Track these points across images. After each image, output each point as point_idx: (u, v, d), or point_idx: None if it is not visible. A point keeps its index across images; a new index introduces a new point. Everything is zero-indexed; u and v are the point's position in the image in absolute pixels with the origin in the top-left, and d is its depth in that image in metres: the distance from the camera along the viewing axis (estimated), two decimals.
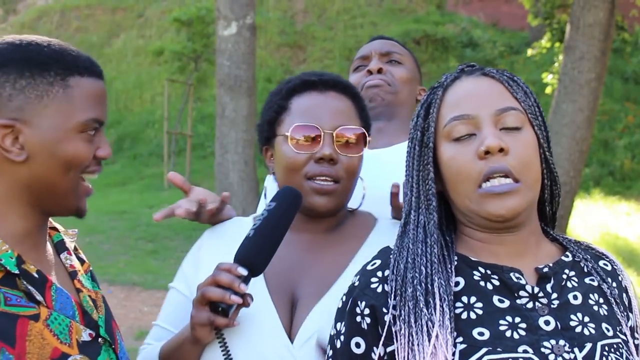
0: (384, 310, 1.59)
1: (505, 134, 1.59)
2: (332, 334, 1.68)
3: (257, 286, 1.87)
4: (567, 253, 1.69)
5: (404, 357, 1.53)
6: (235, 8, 11.29)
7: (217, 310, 1.73)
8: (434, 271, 1.58)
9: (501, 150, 1.56)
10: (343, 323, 1.64)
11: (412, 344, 1.52)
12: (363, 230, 2.00)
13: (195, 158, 17.51)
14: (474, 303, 1.58)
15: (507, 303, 1.57)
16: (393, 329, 1.56)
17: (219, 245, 2.00)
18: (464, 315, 1.57)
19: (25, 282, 1.47)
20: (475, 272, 1.62)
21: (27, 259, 1.51)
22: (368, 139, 1.97)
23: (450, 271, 1.60)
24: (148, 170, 17.63)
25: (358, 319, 1.61)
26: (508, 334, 1.53)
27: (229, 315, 1.74)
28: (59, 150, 1.51)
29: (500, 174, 1.56)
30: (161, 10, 23.59)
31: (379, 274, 1.64)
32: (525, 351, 1.50)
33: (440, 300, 1.54)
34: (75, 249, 1.76)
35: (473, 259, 1.64)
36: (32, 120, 1.51)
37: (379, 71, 2.63)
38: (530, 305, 1.57)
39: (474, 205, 1.59)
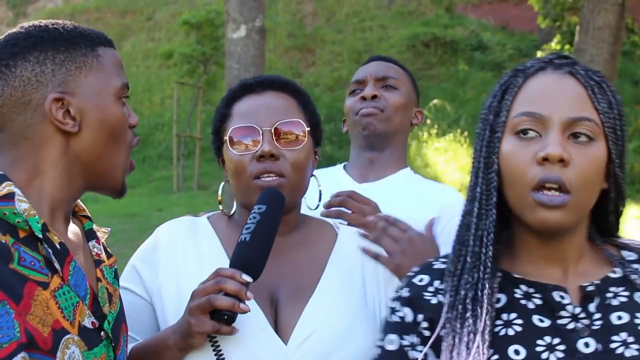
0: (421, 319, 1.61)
1: (571, 144, 1.51)
2: (383, 345, 1.63)
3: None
4: (616, 269, 1.60)
5: None
6: (245, 11, 11.31)
7: (220, 318, 1.70)
8: (485, 275, 1.55)
9: (561, 160, 1.49)
10: (399, 335, 1.61)
11: (452, 352, 1.52)
12: (327, 236, 2.02)
13: (204, 161, 17.53)
14: (514, 319, 1.55)
15: (547, 322, 1.53)
16: (441, 333, 1.56)
17: (176, 247, 1.98)
18: (502, 332, 1.53)
19: (47, 247, 1.48)
20: (517, 290, 1.58)
21: (53, 230, 1.52)
22: (306, 130, 1.96)
23: (494, 285, 1.56)
24: (157, 172, 17.66)
25: (419, 329, 1.60)
26: (544, 355, 1.50)
27: (233, 323, 1.72)
28: (106, 116, 1.57)
29: (553, 184, 1.49)
30: (170, 13, 23.64)
31: (431, 288, 1.63)
32: None
33: (486, 311, 1.53)
34: (104, 246, 1.76)
35: (515, 275, 1.59)
36: (77, 91, 1.56)
37: (373, 97, 2.62)
38: (571, 325, 1.52)
39: (523, 208, 1.53)
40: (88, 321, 1.53)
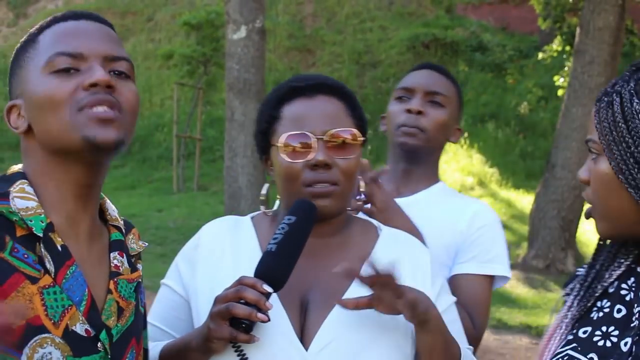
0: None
1: None
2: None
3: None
4: None
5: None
6: (245, 12, 11.31)
7: (239, 325, 1.70)
8: (594, 269, 1.69)
9: None
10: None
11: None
12: (368, 236, 2.00)
13: (204, 162, 17.54)
14: (605, 306, 1.63)
15: (622, 314, 1.59)
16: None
17: (217, 247, 1.98)
18: (592, 315, 1.64)
19: (43, 247, 1.48)
20: (627, 282, 1.64)
21: (59, 232, 1.52)
22: (361, 138, 1.96)
23: (605, 276, 1.66)
24: (157, 173, 17.67)
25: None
26: (596, 338, 1.57)
27: (251, 331, 1.71)
28: (35, 97, 1.53)
29: None
30: (171, 14, 23.65)
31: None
32: (591, 358, 1.54)
33: (575, 297, 1.67)
34: (138, 258, 1.75)
35: (638, 269, 1.65)
36: (21, 89, 1.57)
37: (419, 113, 2.57)
38: (635, 323, 1.56)
39: None
40: (80, 328, 1.50)
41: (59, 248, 1.51)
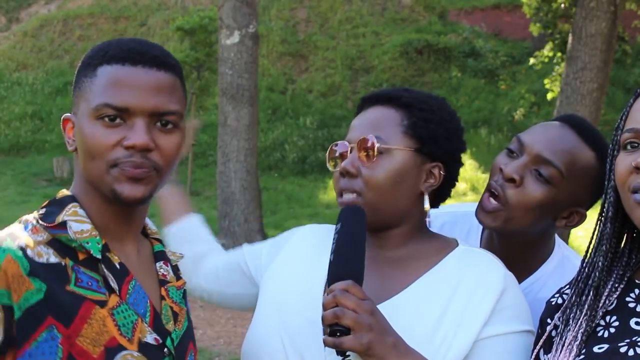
0: (548, 321, 1.74)
1: None
2: None
3: (317, 287, 1.88)
4: None
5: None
6: (238, 17, 11.32)
7: (335, 332, 1.65)
8: (590, 283, 1.66)
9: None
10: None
11: (554, 348, 1.66)
12: (436, 255, 1.91)
13: (197, 167, 17.53)
14: (612, 322, 1.62)
15: None
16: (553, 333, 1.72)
17: (302, 247, 2.03)
18: (600, 333, 1.61)
19: (104, 268, 1.54)
20: (631, 294, 1.64)
21: (114, 251, 1.58)
22: (376, 147, 1.88)
23: (607, 292, 1.65)
24: None
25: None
26: (622, 349, 1.55)
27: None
28: (81, 137, 1.58)
29: None
30: (164, 19, 23.65)
31: (563, 290, 1.78)
32: None
33: (585, 314, 1.63)
34: (177, 268, 1.80)
35: (638, 281, 1.66)
36: (77, 112, 1.61)
37: (511, 180, 2.01)
38: None
39: (628, 209, 1.62)
40: (150, 337, 1.56)
41: (117, 266, 1.57)
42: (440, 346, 1.74)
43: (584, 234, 12.88)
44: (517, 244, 2.10)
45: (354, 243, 1.73)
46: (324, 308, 1.66)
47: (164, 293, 1.67)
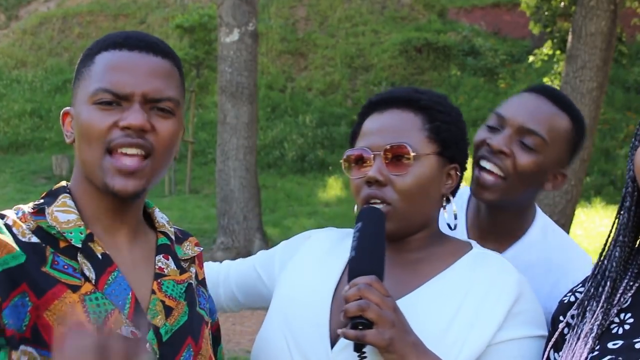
0: (561, 318, 1.75)
1: None
2: None
3: (325, 289, 1.88)
4: None
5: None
6: (238, 15, 11.31)
7: (357, 326, 1.65)
8: (607, 274, 1.66)
9: None
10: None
11: (568, 343, 1.66)
12: (449, 257, 1.90)
13: (196, 164, 17.52)
14: (627, 319, 1.61)
15: None
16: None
17: (316, 250, 2.02)
18: (614, 330, 1.60)
19: (82, 256, 1.56)
20: None
21: (99, 240, 1.59)
22: (411, 154, 1.84)
23: (622, 288, 1.65)
24: None
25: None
26: (638, 345, 1.54)
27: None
28: (78, 122, 1.59)
29: None
30: (163, 17, 23.63)
31: (575, 288, 1.79)
32: None
33: (601, 307, 1.64)
34: (193, 262, 1.79)
35: None
36: (74, 104, 1.62)
37: (501, 152, 2.11)
38: None
39: None
40: (126, 330, 1.55)
41: (99, 256, 1.58)
42: (452, 348, 1.74)
43: (583, 232, 12.89)
44: (506, 214, 2.17)
45: (375, 241, 1.73)
46: (346, 301, 1.64)
47: (155, 287, 1.65)
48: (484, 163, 2.13)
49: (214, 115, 15.78)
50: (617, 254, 1.66)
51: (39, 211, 1.58)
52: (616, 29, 10.88)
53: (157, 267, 1.69)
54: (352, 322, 1.63)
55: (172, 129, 1.60)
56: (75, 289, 1.52)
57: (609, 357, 1.55)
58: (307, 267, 1.97)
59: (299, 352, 1.81)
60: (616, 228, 1.69)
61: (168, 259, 1.72)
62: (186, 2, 24.10)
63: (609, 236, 1.72)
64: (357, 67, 21.22)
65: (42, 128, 20.09)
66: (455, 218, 1.94)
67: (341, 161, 1.93)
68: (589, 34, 10.47)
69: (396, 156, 1.83)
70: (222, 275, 2.21)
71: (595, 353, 1.57)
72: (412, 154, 1.82)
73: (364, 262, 1.70)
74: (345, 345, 1.75)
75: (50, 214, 1.57)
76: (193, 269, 1.78)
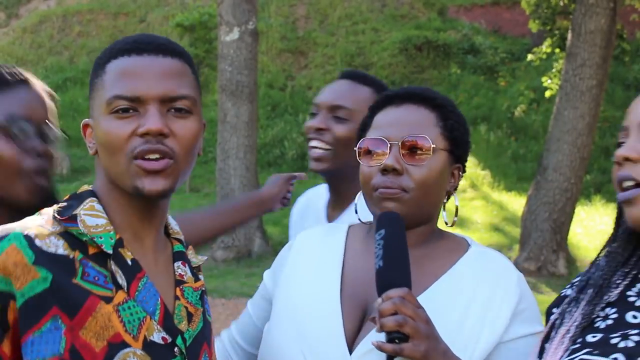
0: (554, 310, 1.78)
1: None
2: None
3: (330, 292, 1.89)
4: None
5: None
6: (238, 14, 11.32)
7: (393, 340, 1.66)
8: (590, 284, 1.67)
9: (628, 159, 1.59)
10: None
11: (551, 338, 1.67)
12: (451, 255, 1.95)
13: (197, 163, 17.36)
14: (611, 314, 1.62)
15: (638, 319, 1.58)
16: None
17: (305, 249, 2.04)
18: (597, 324, 1.62)
19: (113, 263, 1.54)
20: (633, 288, 1.64)
21: (128, 247, 1.58)
22: (431, 147, 1.90)
23: (609, 288, 1.66)
24: None
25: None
26: (614, 340, 1.55)
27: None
28: (97, 133, 1.59)
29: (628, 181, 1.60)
30: (163, 16, 23.63)
31: (575, 281, 1.80)
32: (615, 359, 1.52)
33: (581, 309, 1.65)
34: (198, 269, 1.80)
35: None
36: (92, 115, 1.61)
37: (321, 129, 2.54)
38: None
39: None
40: (157, 336, 1.55)
41: (129, 262, 1.57)
42: (466, 347, 1.78)
43: (583, 230, 12.90)
44: (342, 184, 2.53)
45: (401, 250, 1.74)
46: (381, 314, 1.65)
47: (179, 293, 1.66)
48: (312, 142, 2.56)
49: (214, 114, 15.78)
50: (602, 262, 1.68)
51: (69, 217, 1.55)
52: (616, 26, 10.89)
53: (177, 273, 1.70)
54: (388, 337, 1.64)
55: (191, 129, 1.60)
56: (108, 300, 1.50)
57: (586, 350, 1.57)
58: (304, 276, 1.98)
59: None
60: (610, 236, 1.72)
61: (185, 266, 1.73)
62: (186, 1, 24.10)
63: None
64: (357, 65, 21.21)
65: None
66: (456, 215, 2.00)
67: (355, 149, 1.95)
68: (589, 31, 10.48)
69: (413, 148, 1.88)
70: (229, 347, 2.19)
71: (577, 345, 1.59)
72: (433, 146, 1.88)
73: (394, 273, 1.71)
74: (364, 352, 1.78)
75: (80, 219, 1.55)
76: (201, 276, 1.80)
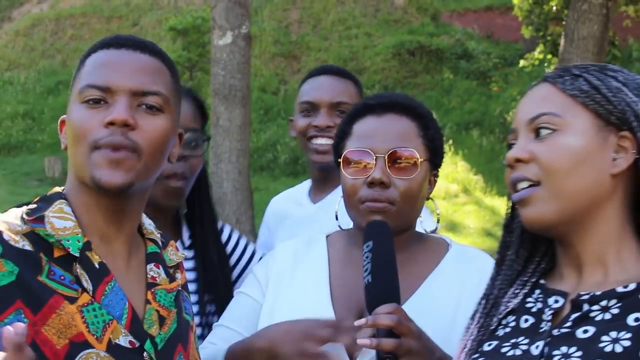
0: None
1: (534, 142, 1.57)
2: None
3: (323, 306, 1.89)
4: (633, 284, 1.50)
5: None
6: (231, 18, 11.31)
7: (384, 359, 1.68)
8: (493, 290, 1.66)
9: (518, 160, 1.56)
10: None
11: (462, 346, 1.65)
12: (434, 256, 1.98)
13: None
14: (510, 322, 1.62)
15: (529, 323, 1.58)
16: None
17: (288, 265, 2.03)
18: (498, 332, 1.61)
19: (79, 267, 1.52)
20: (532, 295, 1.64)
21: (96, 249, 1.56)
22: (419, 160, 1.93)
23: (503, 294, 1.65)
24: None
25: None
26: (504, 349, 1.55)
27: None
28: (69, 123, 1.58)
29: (523, 182, 1.56)
30: (156, 19, 23.61)
31: None
32: None
33: (477, 322, 1.63)
34: (177, 267, 1.78)
35: (542, 282, 1.64)
36: (68, 109, 1.61)
37: (328, 127, 2.61)
38: (543, 329, 1.55)
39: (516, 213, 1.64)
40: (124, 340, 1.54)
41: (97, 265, 1.55)
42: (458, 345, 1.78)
43: None
44: (331, 169, 2.47)
45: (389, 263, 1.74)
46: (375, 329, 1.67)
47: (150, 297, 1.65)
48: (317, 140, 2.61)
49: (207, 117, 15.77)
50: (500, 274, 1.68)
51: (37, 218, 1.53)
52: (608, 33, 10.92)
53: (149, 276, 1.68)
54: (378, 356, 1.66)
55: (160, 127, 1.58)
56: (72, 300, 1.49)
57: (481, 359, 1.58)
58: (293, 295, 1.96)
59: None
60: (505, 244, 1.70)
61: (159, 268, 1.71)
62: (180, 5, 24.08)
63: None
64: (350, 70, 21.10)
65: (35, 130, 20.03)
66: (438, 222, 2.06)
67: (339, 160, 1.95)
68: (581, 37, 10.50)
69: (399, 159, 1.89)
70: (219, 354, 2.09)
71: (476, 355, 1.60)
72: (420, 159, 1.91)
73: (384, 288, 1.72)
74: None
75: (47, 220, 1.53)
76: (179, 275, 1.78)
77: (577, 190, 1.53)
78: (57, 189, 1.64)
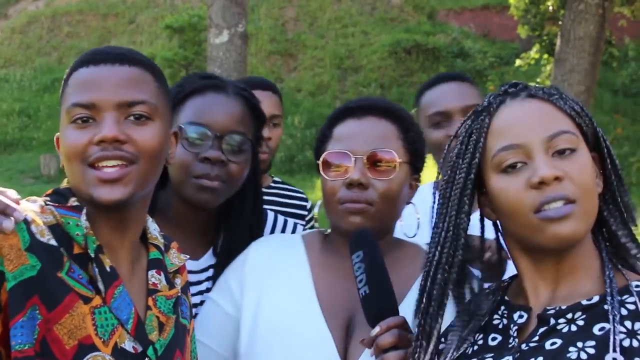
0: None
1: (559, 160, 1.54)
2: None
3: (313, 313, 1.88)
4: (596, 296, 1.54)
5: None
6: (227, 16, 11.30)
7: None
8: (431, 310, 1.63)
9: (557, 178, 1.52)
10: None
11: None
12: (415, 261, 1.96)
13: None
14: (478, 339, 1.62)
15: (497, 341, 1.60)
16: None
17: (266, 267, 2.00)
18: (467, 350, 1.62)
19: (95, 268, 1.53)
20: (498, 312, 1.65)
21: (107, 253, 1.58)
22: (397, 162, 1.93)
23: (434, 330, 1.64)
24: None
25: None
26: None
27: None
28: (61, 143, 1.61)
29: (558, 201, 1.52)
30: (153, 17, 23.58)
31: None
32: None
33: (434, 343, 1.62)
34: (178, 272, 1.79)
35: (507, 298, 1.66)
36: (60, 128, 1.63)
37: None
38: (512, 344, 1.56)
39: (533, 232, 1.55)
40: (129, 345, 1.56)
41: (108, 269, 1.56)
42: None
43: None
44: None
45: (384, 273, 1.75)
46: (381, 346, 1.67)
47: (151, 303, 1.66)
48: None
49: None
50: (474, 294, 1.70)
51: (74, 207, 1.56)
52: (604, 32, 10.93)
53: (150, 282, 1.69)
54: None
55: (152, 134, 1.59)
56: (87, 300, 1.51)
57: None
58: (277, 298, 1.94)
59: None
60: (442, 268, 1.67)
61: (160, 274, 1.72)
62: (176, 3, 24.06)
63: None
64: (347, 68, 21.23)
65: (31, 127, 20.00)
66: (418, 227, 2.04)
67: (318, 162, 1.95)
68: (578, 37, 10.52)
69: (378, 161, 1.89)
70: None
71: None
72: (399, 160, 1.90)
73: (384, 300, 1.72)
74: None
75: (83, 212, 1.56)
76: (178, 281, 1.79)
77: (595, 207, 1.57)
78: (66, 183, 1.65)
